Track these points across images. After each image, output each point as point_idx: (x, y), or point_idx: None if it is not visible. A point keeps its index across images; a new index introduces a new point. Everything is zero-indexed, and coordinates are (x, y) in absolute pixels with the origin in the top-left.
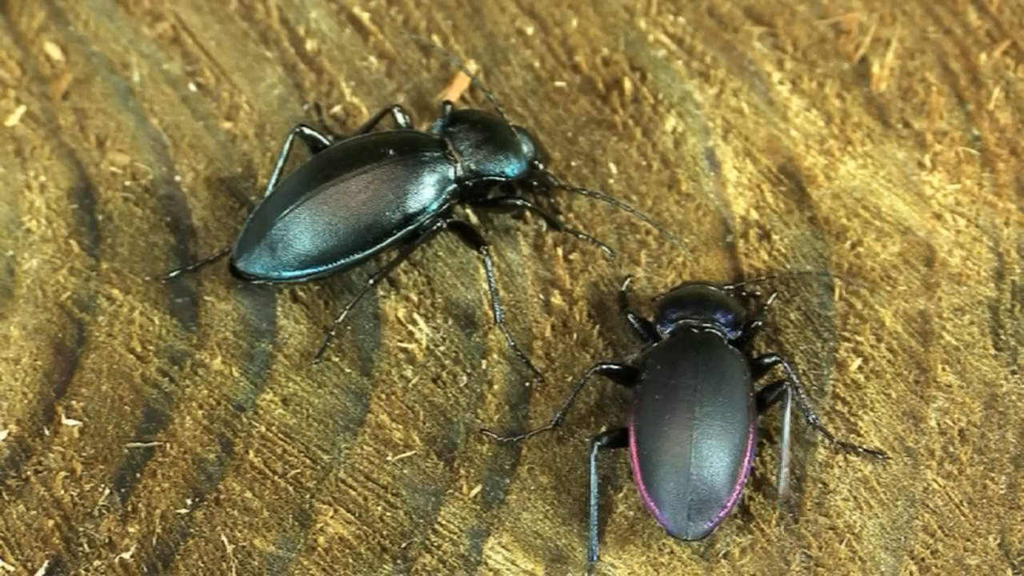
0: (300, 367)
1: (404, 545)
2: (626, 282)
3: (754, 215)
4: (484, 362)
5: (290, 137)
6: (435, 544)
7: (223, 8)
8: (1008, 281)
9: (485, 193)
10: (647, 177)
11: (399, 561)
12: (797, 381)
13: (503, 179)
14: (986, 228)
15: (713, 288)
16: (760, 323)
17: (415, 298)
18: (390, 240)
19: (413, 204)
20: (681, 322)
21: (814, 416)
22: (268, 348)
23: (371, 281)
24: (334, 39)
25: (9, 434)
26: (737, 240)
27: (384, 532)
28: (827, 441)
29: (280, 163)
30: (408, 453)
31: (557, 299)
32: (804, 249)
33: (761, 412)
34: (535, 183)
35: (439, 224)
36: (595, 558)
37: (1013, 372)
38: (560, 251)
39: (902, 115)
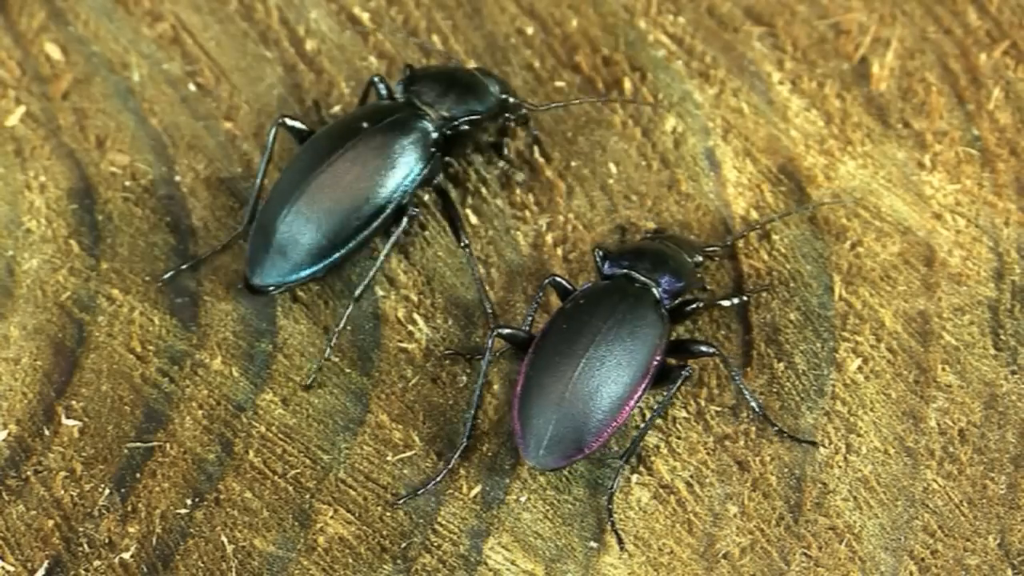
0: (300, 367)
1: (404, 545)
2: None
3: (754, 215)
4: (484, 362)
5: (273, 130)
6: (435, 544)
7: (223, 8)
8: (1008, 281)
9: (466, 142)
10: (647, 177)
11: (399, 561)
12: (737, 372)
13: (478, 116)
14: (986, 228)
15: (681, 254)
16: (701, 305)
17: (415, 298)
18: (392, 207)
19: (402, 168)
20: (626, 271)
21: (757, 406)
22: (268, 348)
23: (362, 286)
24: (334, 39)
25: (9, 434)
26: (737, 240)
27: (384, 532)
28: (776, 431)
29: (266, 157)
30: (408, 453)
31: (556, 299)
32: (804, 249)
33: (660, 385)
34: (511, 117)
35: (434, 183)
36: (467, 440)
37: (1013, 372)
38: (560, 251)
39: (902, 115)
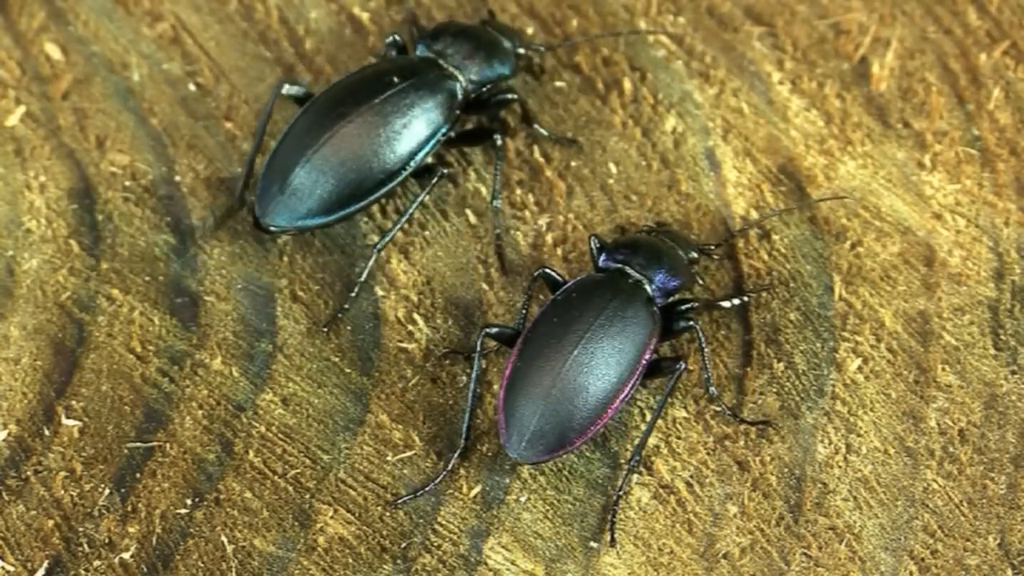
0: (300, 367)
1: (404, 545)
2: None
3: (754, 215)
4: (483, 362)
5: (273, 99)
6: (435, 544)
7: (223, 8)
8: (1008, 281)
9: (488, 102)
10: (647, 177)
11: (399, 561)
12: (706, 348)
13: (503, 79)
14: (986, 228)
15: (677, 251)
16: (695, 305)
17: (415, 298)
18: (413, 166)
19: (429, 126)
20: (621, 265)
21: (714, 389)
22: (268, 348)
23: (385, 239)
24: (334, 39)
25: (9, 434)
26: (737, 240)
27: (384, 532)
28: (726, 414)
29: (263, 121)
30: (408, 453)
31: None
32: (804, 249)
33: (651, 378)
34: (523, 65)
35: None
36: (465, 441)
37: (1013, 372)
38: (560, 251)
39: (902, 115)
